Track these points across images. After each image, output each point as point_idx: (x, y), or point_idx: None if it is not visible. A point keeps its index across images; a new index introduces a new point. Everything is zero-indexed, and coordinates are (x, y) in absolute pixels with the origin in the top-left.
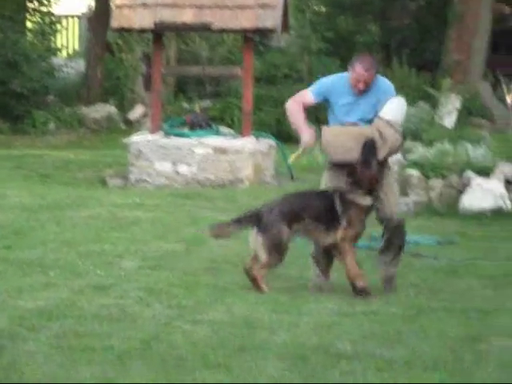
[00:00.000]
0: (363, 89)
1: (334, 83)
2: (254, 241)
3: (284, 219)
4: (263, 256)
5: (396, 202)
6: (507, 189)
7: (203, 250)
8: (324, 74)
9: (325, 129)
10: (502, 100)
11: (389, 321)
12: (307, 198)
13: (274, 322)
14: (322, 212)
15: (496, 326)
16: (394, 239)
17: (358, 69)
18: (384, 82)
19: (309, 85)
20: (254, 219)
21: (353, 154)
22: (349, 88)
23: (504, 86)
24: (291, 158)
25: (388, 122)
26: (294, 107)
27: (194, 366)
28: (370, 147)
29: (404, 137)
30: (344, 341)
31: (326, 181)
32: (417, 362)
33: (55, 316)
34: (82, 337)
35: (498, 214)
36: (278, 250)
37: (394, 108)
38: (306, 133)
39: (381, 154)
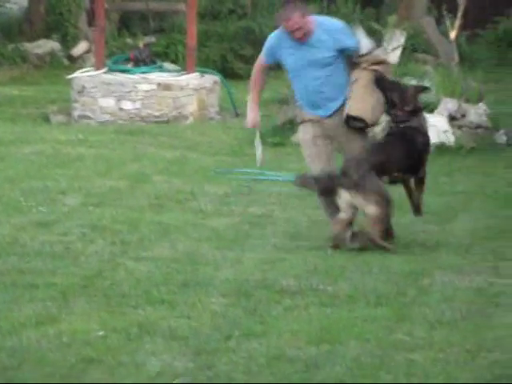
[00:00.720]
0: (302, 36)
1: (275, 41)
2: (351, 201)
3: (374, 171)
4: (372, 211)
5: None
6: (451, 124)
7: (147, 186)
8: (268, 9)
9: (351, 111)
10: (446, 35)
11: (332, 256)
12: (390, 148)
13: (218, 259)
14: (407, 158)
15: (439, 260)
16: None
17: (283, 22)
18: (327, 20)
19: (253, 21)
20: (343, 179)
21: (382, 101)
22: (289, 38)
23: (448, 22)
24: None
25: (372, 51)
26: (253, 77)
27: (137, 302)
28: (382, 80)
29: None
30: (287, 277)
31: (305, 132)
32: (360, 296)
33: None
34: (24, 274)
35: (441, 149)
36: (386, 198)
37: (364, 37)
38: (249, 115)
39: (389, 73)
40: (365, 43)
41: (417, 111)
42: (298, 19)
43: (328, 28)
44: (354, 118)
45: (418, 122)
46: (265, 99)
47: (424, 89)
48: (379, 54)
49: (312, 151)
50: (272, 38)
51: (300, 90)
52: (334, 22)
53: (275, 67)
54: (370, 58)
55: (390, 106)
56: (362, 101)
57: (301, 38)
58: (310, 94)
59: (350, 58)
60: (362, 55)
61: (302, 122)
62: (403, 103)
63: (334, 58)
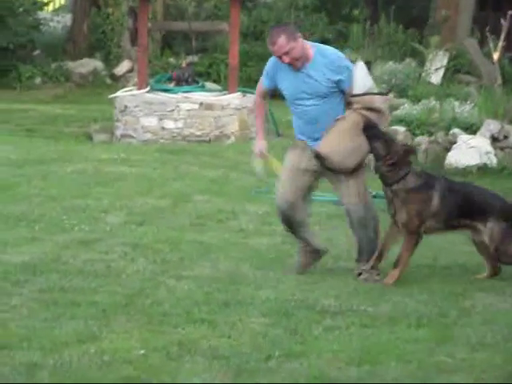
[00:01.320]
0: (290, 62)
1: (274, 64)
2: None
3: None
4: None
5: (358, 186)
6: (493, 146)
7: (188, 205)
8: (311, 30)
9: (320, 148)
10: (489, 57)
11: None
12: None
13: (259, 278)
14: None
15: (480, 282)
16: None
17: (270, 47)
18: (329, 51)
19: None
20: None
21: (362, 150)
22: (288, 65)
23: (491, 43)
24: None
25: (369, 92)
26: (256, 104)
27: (177, 321)
28: (370, 128)
29: (387, 93)
30: (328, 297)
31: (289, 159)
32: (401, 318)
33: (40, 271)
34: (66, 292)
35: (483, 170)
36: None
37: (363, 76)
38: (257, 143)
39: (385, 124)
40: (361, 82)
41: (406, 174)
42: (285, 43)
43: (327, 58)
44: (320, 156)
45: (413, 181)
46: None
47: (414, 151)
48: (376, 99)
49: (288, 176)
50: (271, 61)
51: (295, 117)
52: (334, 53)
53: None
54: (363, 100)
55: (375, 157)
56: (337, 142)
57: (293, 64)
58: (305, 123)
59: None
60: (354, 95)
61: (293, 145)
62: (389, 157)
63: (330, 90)
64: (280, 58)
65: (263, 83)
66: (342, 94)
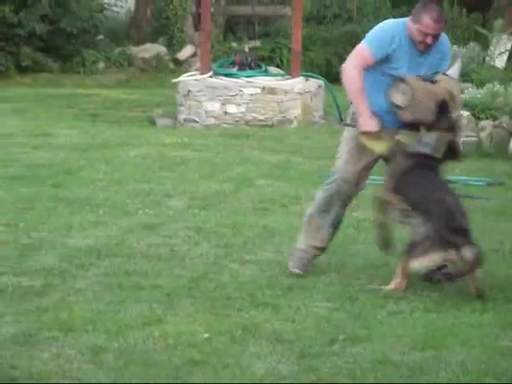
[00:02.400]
0: (431, 44)
1: (395, 36)
2: None
3: None
4: None
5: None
6: None
7: (251, 190)
8: (374, 14)
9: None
10: None
11: None
12: None
13: (322, 262)
14: None
15: None
16: None
17: (427, 21)
18: (445, 38)
19: (358, 25)
20: None
21: (429, 113)
22: (409, 42)
23: None
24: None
25: (457, 83)
26: (354, 78)
27: (241, 305)
28: (445, 108)
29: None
30: (392, 281)
31: (353, 138)
32: (465, 303)
33: (104, 254)
34: (130, 275)
35: None
36: None
37: (458, 68)
38: (367, 120)
39: (455, 113)
40: (456, 69)
41: None
42: (440, 29)
43: (442, 43)
44: (406, 84)
45: None
46: None
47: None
48: (458, 89)
49: (351, 156)
50: (390, 28)
51: (385, 94)
52: (445, 38)
53: None
54: (449, 82)
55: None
56: (425, 89)
57: (427, 46)
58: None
59: None
60: (445, 74)
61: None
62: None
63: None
64: (431, 37)
65: (373, 55)
66: None
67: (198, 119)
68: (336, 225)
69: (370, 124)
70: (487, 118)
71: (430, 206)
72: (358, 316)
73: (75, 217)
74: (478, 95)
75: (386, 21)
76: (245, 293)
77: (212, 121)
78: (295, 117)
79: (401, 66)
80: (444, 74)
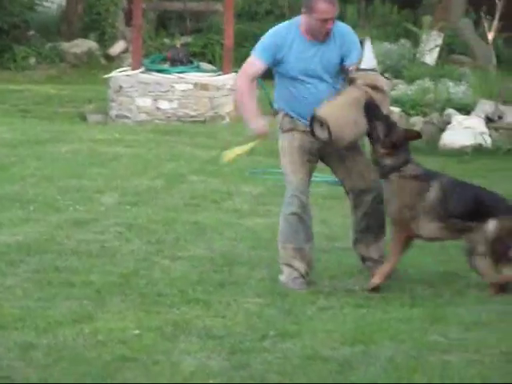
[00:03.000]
0: (330, 28)
1: (283, 35)
2: None
3: None
4: None
5: (369, 169)
6: (488, 126)
7: (183, 186)
8: None
9: (319, 111)
10: (484, 38)
11: None
12: None
13: (254, 259)
14: None
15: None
16: (373, 216)
17: (321, 5)
18: (346, 28)
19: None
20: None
21: (360, 126)
22: (303, 37)
23: (486, 24)
24: (231, 154)
25: (374, 70)
26: (245, 88)
27: (172, 301)
28: (372, 106)
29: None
30: (322, 277)
31: (291, 142)
32: (395, 298)
33: (34, 251)
34: (61, 272)
35: (478, 151)
36: None
37: (370, 52)
38: (256, 122)
39: (386, 108)
40: (369, 59)
41: (405, 162)
42: (335, 11)
43: (341, 31)
44: (317, 121)
45: (412, 169)
46: None
47: (418, 135)
48: (380, 79)
49: (297, 159)
50: (274, 34)
51: (292, 97)
52: (346, 26)
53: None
54: (368, 77)
55: (373, 139)
56: (337, 110)
57: (326, 33)
58: (306, 104)
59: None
60: (361, 69)
61: (291, 130)
62: (388, 140)
63: (337, 68)
64: (324, 22)
65: (262, 61)
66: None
67: (129, 115)
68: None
69: (262, 126)
70: (418, 115)
71: None
72: (288, 312)
73: (5, 213)
74: (409, 92)
75: (276, 26)
76: (176, 289)
77: (144, 117)
78: (227, 113)
79: (293, 60)
80: (359, 68)
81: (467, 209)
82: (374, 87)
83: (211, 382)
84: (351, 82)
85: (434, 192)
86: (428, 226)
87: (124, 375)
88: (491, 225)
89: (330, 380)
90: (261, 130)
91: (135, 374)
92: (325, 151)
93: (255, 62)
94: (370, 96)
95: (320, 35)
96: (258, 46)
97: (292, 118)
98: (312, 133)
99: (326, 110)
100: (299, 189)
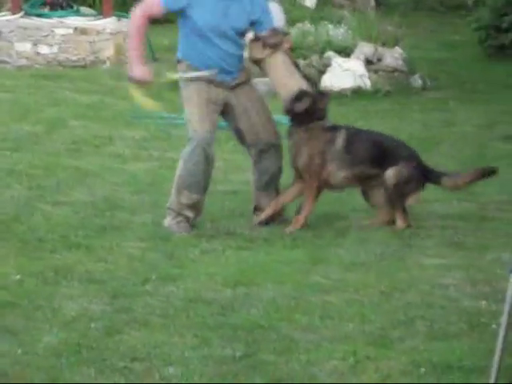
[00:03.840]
0: None
1: None
2: None
3: None
4: None
5: (273, 123)
6: (367, 68)
7: (64, 131)
8: None
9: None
10: None
11: (248, 199)
12: None
13: (135, 203)
14: None
15: (354, 203)
16: (275, 168)
17: None
18: None
19: None
20: None
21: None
22: None
23: None
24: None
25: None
26: (139, 25)
27: (53, 246)
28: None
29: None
30: (204, 220)
31: (199, 93)
32: (276, 239)
33: None
34: None
35: (357, 93)
36: None
37: (280, 12)
38: (137, 69)
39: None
40: (280, 18)
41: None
42: None
43: None
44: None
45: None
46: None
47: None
48: (289, 37)
49: (204, 110)
50: None
51: (204, 48)
52: None
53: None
54: (288, 41)
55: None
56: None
57: None
58: (219, 57)
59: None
60: (274, 30)
61: (196, 79)
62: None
63: (246, 27)
64: None
65: (164, 3)
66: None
67: (9, 60)
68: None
69: (142, 72)
70: (298, 58)
71: None
72: (170, 255)
73: None
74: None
75: None
76: (57, 234)
77: (24, 62)
78: (108, 57)
79: (203, 14)
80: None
81: (371, 155)
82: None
83: (93, 325)
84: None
85: (340, 141)
86: (337, 174)
87: (4, 321)
88: (390, 173)
89: (211, 322)
90: (145, 76)
91: (16, 320)
92: (230, 102)
93: (157, 4)
94: (293, 59)
95: None
96: None
97: (197, 68)
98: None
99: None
100: (206, 140)
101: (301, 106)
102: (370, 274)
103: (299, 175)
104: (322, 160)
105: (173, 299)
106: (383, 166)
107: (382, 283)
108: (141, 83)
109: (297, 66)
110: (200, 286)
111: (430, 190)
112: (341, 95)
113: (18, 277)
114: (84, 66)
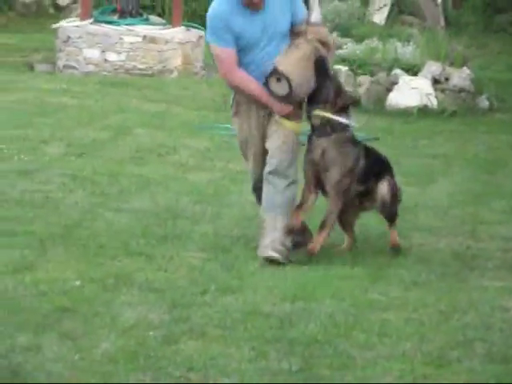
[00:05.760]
0: (258, 1)
1: (227, 11)
2: None
3: None
4: None
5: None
6: (434, 87)
7: (129, 139)
8: None
9: (279, 64)
10: None
11: (307, 216)
12: None
13: (197, 213)
14: None
15: (417, 222)
16: None
17: None
18: None
19: None
20: None
21: (310, 84)
22: (242, 8)
23: None
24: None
25: (318, 24)
26: (240, 80)
27: (115, 253)
28: (323, 63)
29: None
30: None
31: (254, 131)
32: (336, 256)
33: None
34: (3, 221)
35: (423, 112)
36: None
37: (317, 6)
38: (279, 105)
39: (330, 65)
40: (317, 12)
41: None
42: None
43: None
44: (278, 74)
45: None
46: None
47: (354, 102)
48: (328, 34)
49: (258, 151)
50: (217, 17)
51: (247, 68)
52: None
53: None
54: (319, 32)
55: (319, 97)
56: (296, 65)
57: (258, 4)
58: (261, 73)
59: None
60: (311, 24)
61: (247, 111)
62: (335, 98)
63: (288, 26)
64: None
65: (230, 45)
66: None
67: (77, 66)
68: None
69: (284, 107)
70: (365, 74)
71: None
72: (230, 267)
73: None
74: (357, 51)
75: (212, 4)
76: (119, 241)
77: (91, 68)
78: (175, 67)
79: (242, 33)
80: (308, 22)
81: (372, 172)
82: (324, 43)
83: (151, 333)
84: (299, 35)
85: (361, 156)
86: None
87: (63, 326)
88: (382, 187)
89: (269, 336)
90: (285, 110)
91: (75, 325)
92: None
93: (226, 51)
94: (320, 52)
95: (253, 6)
96: (212, 34)
97: (247, 99)
98: (267, 87)
99: (286, 66)
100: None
101: (280, 91)
102: (429, 293)
103: (314, 182)
104: (352, 178)
105: (231, 311)
106: (368, 182)
107: (442, 303)
108: (289, 115)
109: (322, 61)
110: (259, 298)
111: (493, 213)
112: (407, 113)
113: (78, 282)
114: (151, 75)
